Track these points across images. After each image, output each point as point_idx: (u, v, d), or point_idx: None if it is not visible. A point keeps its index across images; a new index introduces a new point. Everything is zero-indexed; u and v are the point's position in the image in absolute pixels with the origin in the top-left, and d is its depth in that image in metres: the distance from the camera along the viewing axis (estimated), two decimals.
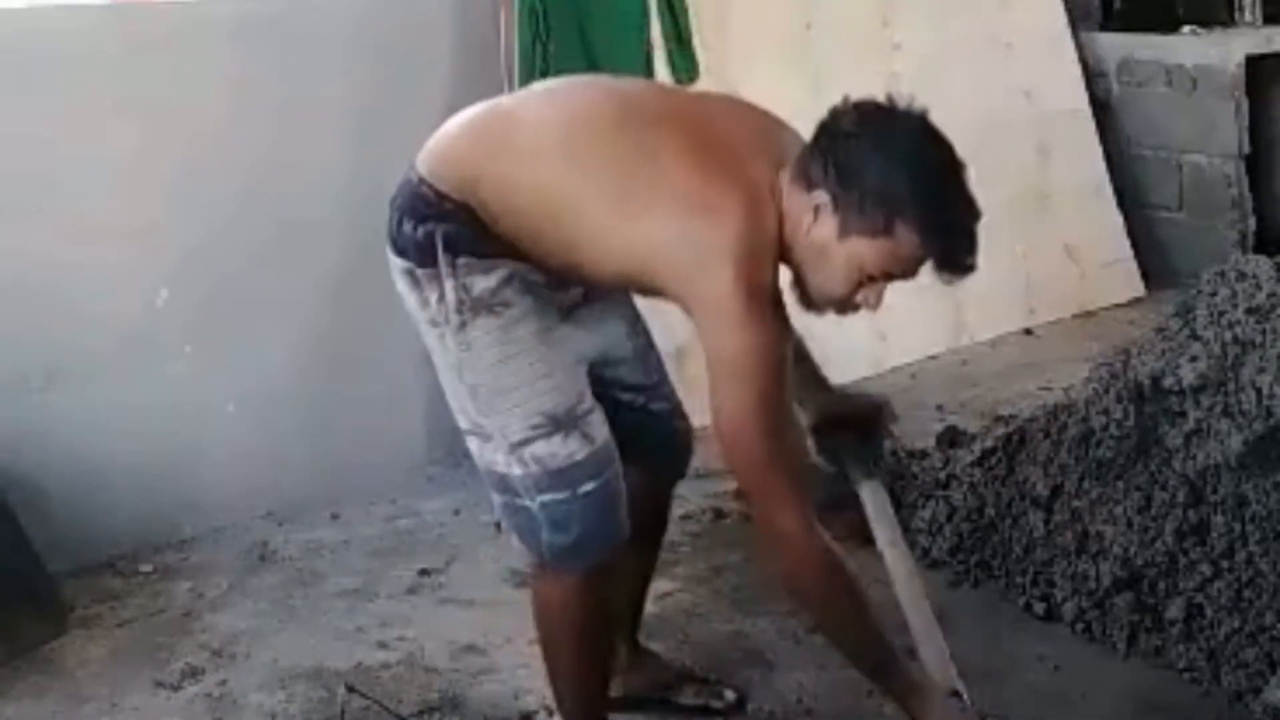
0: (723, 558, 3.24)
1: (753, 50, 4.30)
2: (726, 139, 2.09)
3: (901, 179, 1.99)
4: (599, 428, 2.16)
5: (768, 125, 2.20)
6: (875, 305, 2.08)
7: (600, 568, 2.20)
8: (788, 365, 2.08)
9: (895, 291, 4.64)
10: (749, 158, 2.06)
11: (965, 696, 2.17)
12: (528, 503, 2.16)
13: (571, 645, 2.28)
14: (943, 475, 3.28)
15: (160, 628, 3.04)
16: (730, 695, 2.64)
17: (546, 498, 2.14)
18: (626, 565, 2.42)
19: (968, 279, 2.13)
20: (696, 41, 4.01)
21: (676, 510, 3.46)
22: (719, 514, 3.46)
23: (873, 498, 2.41)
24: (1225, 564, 2.72)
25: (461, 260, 2.09)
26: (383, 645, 2.93)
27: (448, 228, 2.09)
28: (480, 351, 2.11)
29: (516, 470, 2.15)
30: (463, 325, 2.11)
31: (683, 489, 3.43)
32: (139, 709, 2.73)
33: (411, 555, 3.32)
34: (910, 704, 2.15)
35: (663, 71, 3.97)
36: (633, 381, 2.36)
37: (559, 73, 3.66)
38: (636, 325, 2.39)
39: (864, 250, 2.01)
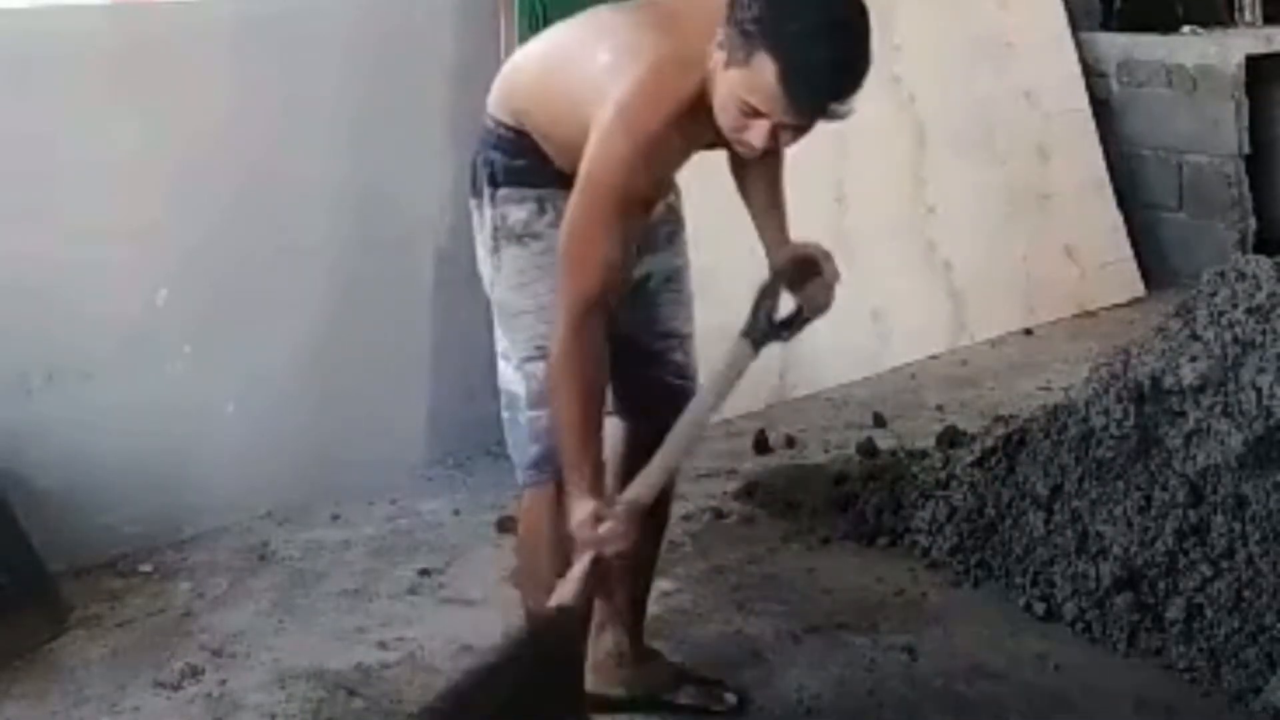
0: (723, 558, 3.24)
1: None
2: (687, 12, 2.24)
3: (767, 12, 2.06)
4: None
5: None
6: (759, 144, 2.13)
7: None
8: (641, 214, 2.22)
9: (896, 291, 4.64)
10: (699, 24, 2.17)
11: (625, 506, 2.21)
12: (520, 417, 2.39)
13: (547, 557, 2.37)
14: (943, 475, 3.29)
15: (160, 628, 3.04)
16: (731, 698, 2.64)
17: (534, 413, 2.35)
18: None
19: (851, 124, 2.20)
20: None
21: (677, 510, 3.46)
22: (719, 514, 3.46)
23: (734, 353, 2.41)
24: (1225, 564, 2.72)
25: (502, 191, 2.36)
26: (383, 645, 2.92)
27: (497, 156, 2.36)
28: (506, 274, 2.38)
29: (519, 388, 2.38)
30: (496, 249, 2.38)
31: (683, 489, 3.45)
32: (139, 709, 2.73)
33: (411, 555, 3.32)
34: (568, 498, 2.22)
35: None
36: (659, 328, 2.51)
37: None
38: (679, 279, 2.55)
39: (735, 81, 2.08)
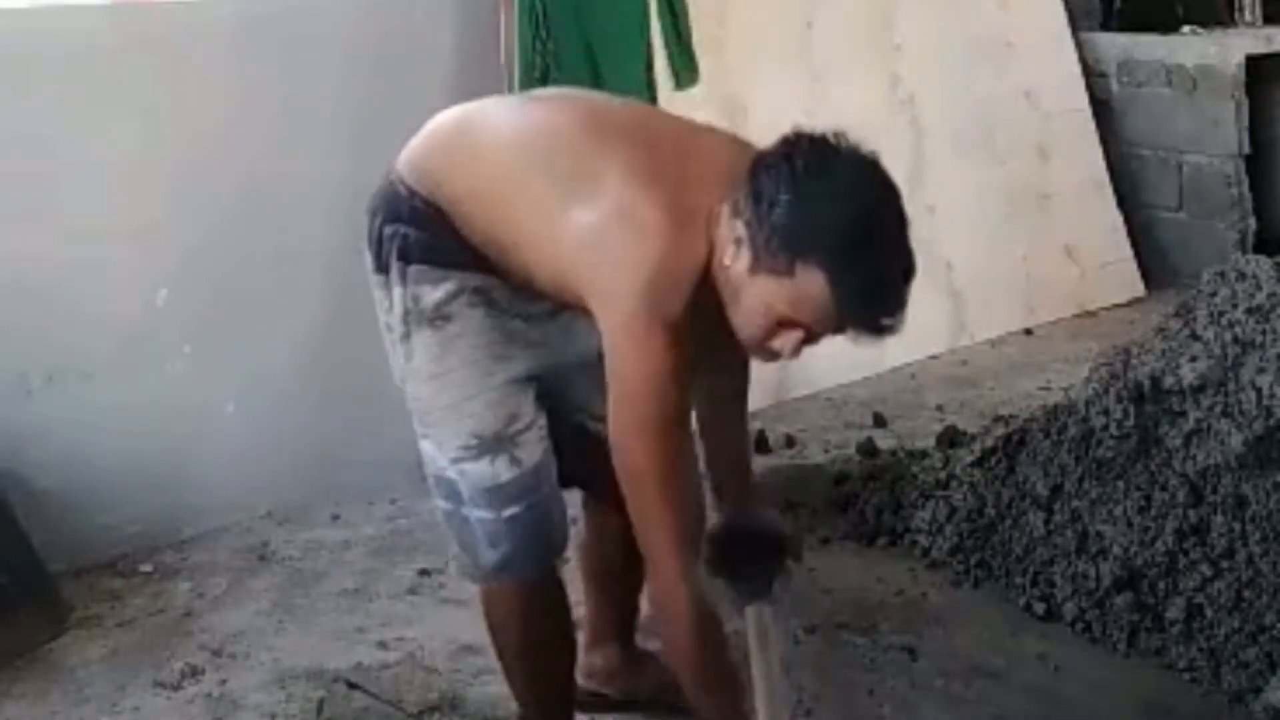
0: None
1: (753, 50, 4.30)
2: (682, 163, 2.00)
3: (811, 218, 1.86)
4: (530, 449, 2.14)
5: (735, 157, 2.02)
6: (790, 355, 1.95)
7: (538, 585, 2.22)
8: (686, 390, 1.98)
9: None
10: (697, 184, 1.96)
11: None
12: (469, 514, 2.17)
13: (520, 658, 2.30)
14: (943, 475, 3.29)
15: (160, 628, 3.04)
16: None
17: (479, 514, 2.15)
18: (613, 571, 2.46)
19: (897, 331, 1.93)
20: (696, 42, 4.01)
21: None
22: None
23: (756, 621, 2.21)
24: (1225, 564, 2.72)
25: (414, 268, 2.09)
26: (383, 645, 2.93)
27: (411, 231, 2.09)
28: (419, 364, 2.12)
29: (459, 481, 2.16)
30: (406, 335, 2.12)
31: None
32: (139, 709, 2.73)
33: (411, 555, 3.31)
34: None
35: (663, 72, 3.97)
36: (583, 403, 2.24)
37: (559, 72, 3.67)
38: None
39: (770, 290, 1.89)
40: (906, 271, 1.92)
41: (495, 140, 2.13)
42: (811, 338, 1.93)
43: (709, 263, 1.94)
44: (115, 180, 3.31)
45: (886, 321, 1.91)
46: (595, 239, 1.96)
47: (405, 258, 2.10)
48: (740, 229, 1.90)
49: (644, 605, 2.60)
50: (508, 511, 2.14)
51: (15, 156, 3.19)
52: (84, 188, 3.26)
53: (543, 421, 2.17)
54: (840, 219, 1.86)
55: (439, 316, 2.09)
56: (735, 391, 2.31)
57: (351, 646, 2.92)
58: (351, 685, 2.72)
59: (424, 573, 3.22)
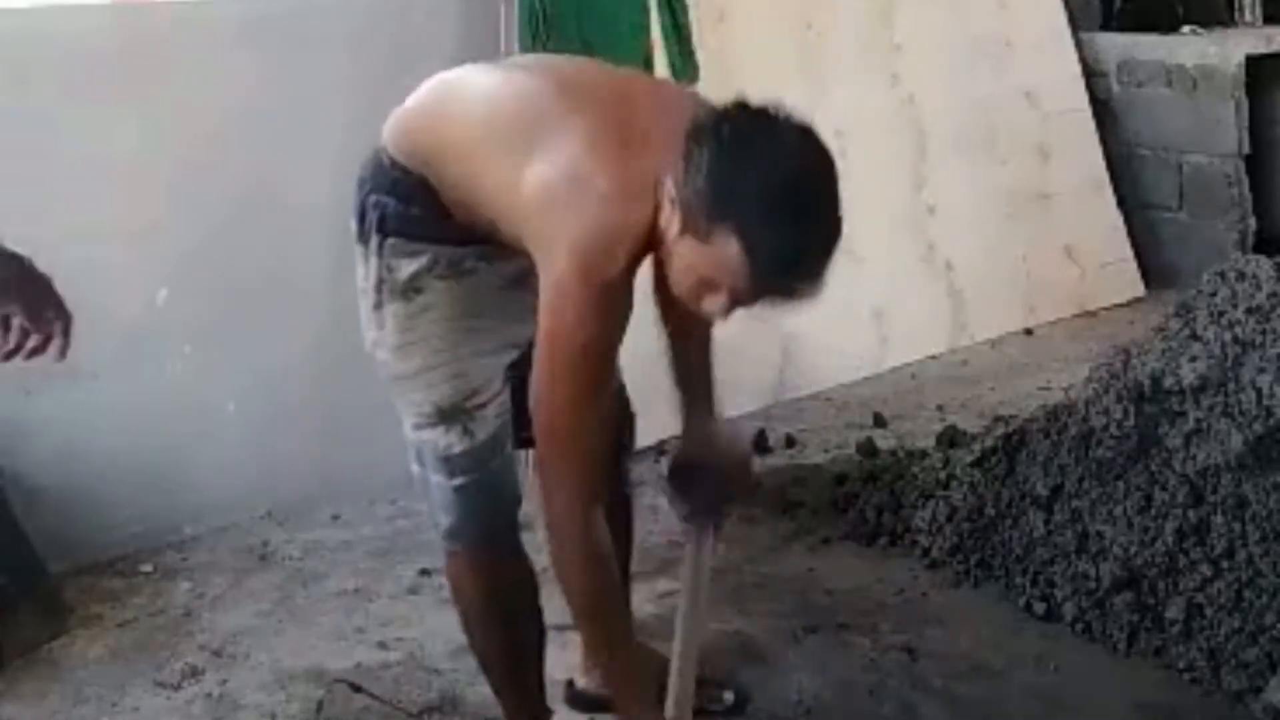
0: (723, 558, 3.23)
1: (753, 50, 4.30)
2: (650, 128, 2.00)
3: (728, 183, 1.86)
4: (486, 424, 2.19)
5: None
6: (720, 317, 1.98)
7: (491, 551, 2.26)
8: (611, 360, 2.07)
9: (896, 291, 4.64)
10: (660, 148, 1.95)
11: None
12: (428, 477, 2.24)
13: (478, 627, 2.34)
14: (943, 475, 3.29)
15: (160, 628, 3.04)
16: (729, 698, 2.63)
17: (435, 479, 2.23)
18: None
19: (813, 302, 1.94)
20: (696, 41, 4.01)
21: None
22: None
23: (695, 540, 2.32)
24: (1225, 564, 2.72)
25: (390, 241, 2.16)
26: (383, 645, 2.93)
27: (390, 202, 2.15)
28: (389, 333, 2.19)
29: (421, 446, 2.23)
30: (379, 305, 2.19)
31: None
32: (139, 709, 2.73)
33: (411, 555, 3.31)
34: (619, 707, 2.16)
35: (663, 71, 3.97)
36: None
37: None
38: None
39: (694, 253, 1.91)
40: (827, 241, 1.90)
41: (468, 102, 2.17)
42: (738, 302, 1.94)
43: (656, 225, 1.96)
44: (115, 180, 3.31)
45: (801, 287, 1.91)
46: (546, 197, 1.99)
47: (382, 230, 2.16)
48: (672, 191, 1.92)
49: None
50: (456, 480, 2.20)
51: (15, 156, 3.18)
52: (84, 188, 3.26)
53: (505, 396, 2.21)
54: (756, 185, 1.86)
55: (411, 289, 2.15)
56: (704, 326, 2.32)
57: (351, 646, 2.92)
58: (354, 688, 2.72)
59: (424, 573, 3.22)
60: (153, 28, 3.42)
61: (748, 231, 1.84)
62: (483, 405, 2.19)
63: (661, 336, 2.38)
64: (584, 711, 2.63)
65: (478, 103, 2.16)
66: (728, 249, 1.86)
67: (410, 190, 2.15)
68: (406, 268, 2.15)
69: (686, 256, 1.92)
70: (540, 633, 2.38)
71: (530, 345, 2.15)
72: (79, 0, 3.51)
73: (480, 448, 2.19)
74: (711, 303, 1.95)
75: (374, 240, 2.17)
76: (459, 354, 2.17)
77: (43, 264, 3.30)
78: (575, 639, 2.53)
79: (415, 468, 2.27)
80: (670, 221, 1.93)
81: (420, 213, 2.14)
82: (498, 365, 2.20)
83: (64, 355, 1.83)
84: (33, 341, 1.82)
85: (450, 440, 2.18)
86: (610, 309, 1.98)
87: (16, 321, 1.81)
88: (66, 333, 1.85)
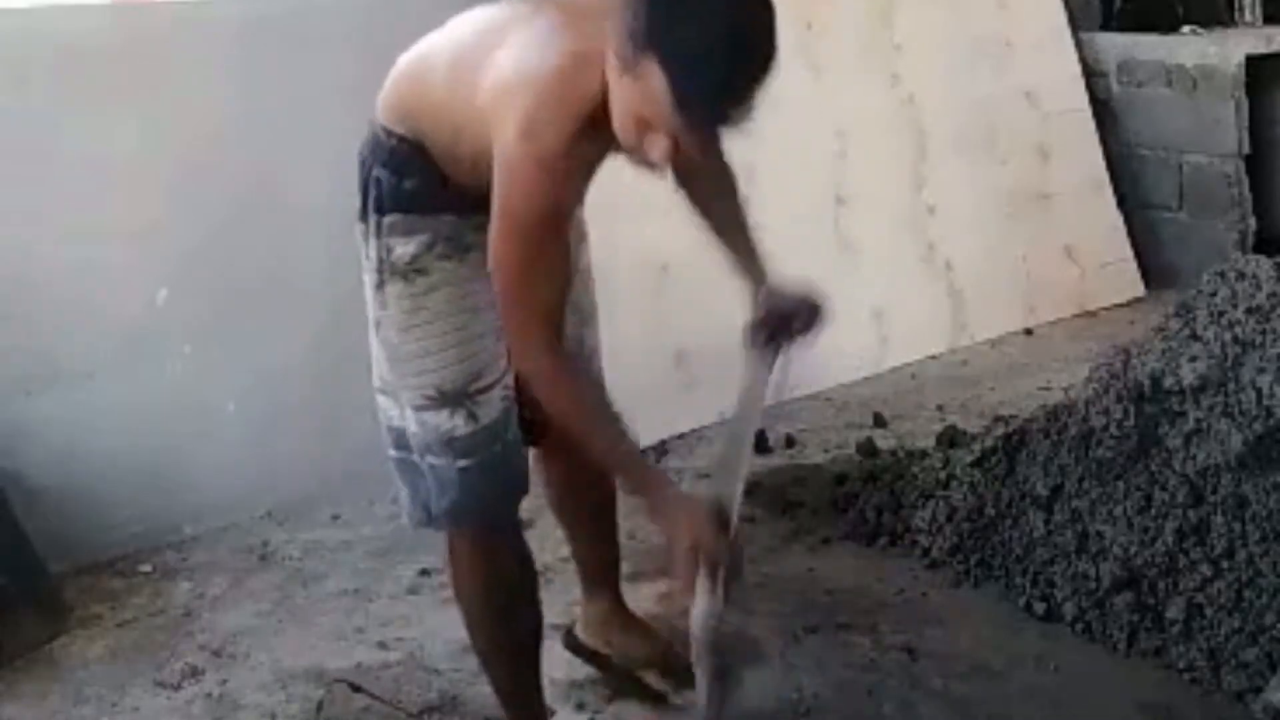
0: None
1: None
2: (598, 7, 2.00)
3: (653, 13, 1.86)
4: (490, 407, 2.20)
5: None
6: (660, 160, 1.95)
7: (493, 534, 2.28)
8: (562, 227, 2.06)
9: (896, 291, 4.63)
10: (600, 19, 1.96)
11: (733, 524, 2.11)
12: (418, 460, 2.24)
13: (478, 613, 2.34)
14: (943, 475, 3.28)
15: (160, 628, 3.04)
16: (688, 698, 2.61)
17: (432, 460, 2.22)
18: (582, 511, 2.60)
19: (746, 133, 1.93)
20: None
21: None
22: None
23: (758, 363, 2.34)
24: (1225, 564, 2.72)
25: (387, 220, 2.17)
26: (383, 645, 2.93)
27: (385, 175, 2.17)
28: (393, 313, 2.19)
29: (413, 428, 2.22)
30: (381, 284, 2.20)
31: (683, 488, 3.43)
32: (139, 709, 2.74)
33: (411, 555, 3.31)
34: (653, 498, 2.11)
35: None
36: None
37: None
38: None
39: (628, 91, 1.90)
40: (751, 66, 1.87)
41: (444, 43, 2.22)
42: (677, 141, 1.91)
43: (605, 93, 1.97)
44: (115, 180, 3.31)
45: (723, 111, 1.88)
46: (499, 89, 2.01)
47: (380, 208, 2.18)
48: (612, 39, 1.93)
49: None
50: (460, 463, 2.20)
51: (15, 156, 3.19)
52: (84, 188, 3.26)
53: (509, 379, 2.21)
54: (679, 11, 1.85)
55: (412, 270, 2.16)
56: (719, 189, 2.37)
57: (351, 646, 2.92)
58: (354, 688, 2.72)
59: (424, 573, 3.22)
60: (153, 28, 3.42)
61: (669, 58, 1.83)
62: (488, 388, 2.19)
63: (693, 213, 2.39)
64: (582, 659, 2.72)
65: (445, 46, 2.20)
66: (654, 80, 1.85)
67: (406, 159, 2.16)
68: (404, 247, 2.16)
69: (623, 98, 1.92)
70: (538, 624, 2.39)
71: None
72: (79, 0, 3.51)
73: (484, 431, 2.19)
74: (652, 145, 1.93)
75: (372, 220, 2.19)
76: (463, 336, 2.18)
77: (43, 264, 3.33)
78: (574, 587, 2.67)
79: (395, 453, 2.28)
80: (610, 69, 1.93)
81: (417, 184, 2.16)
82: (502, 347, 2.19)
83: None
84: None
85: (455, 424, 2.18)
86: (558, 180, 1.98)
87: None
88: None
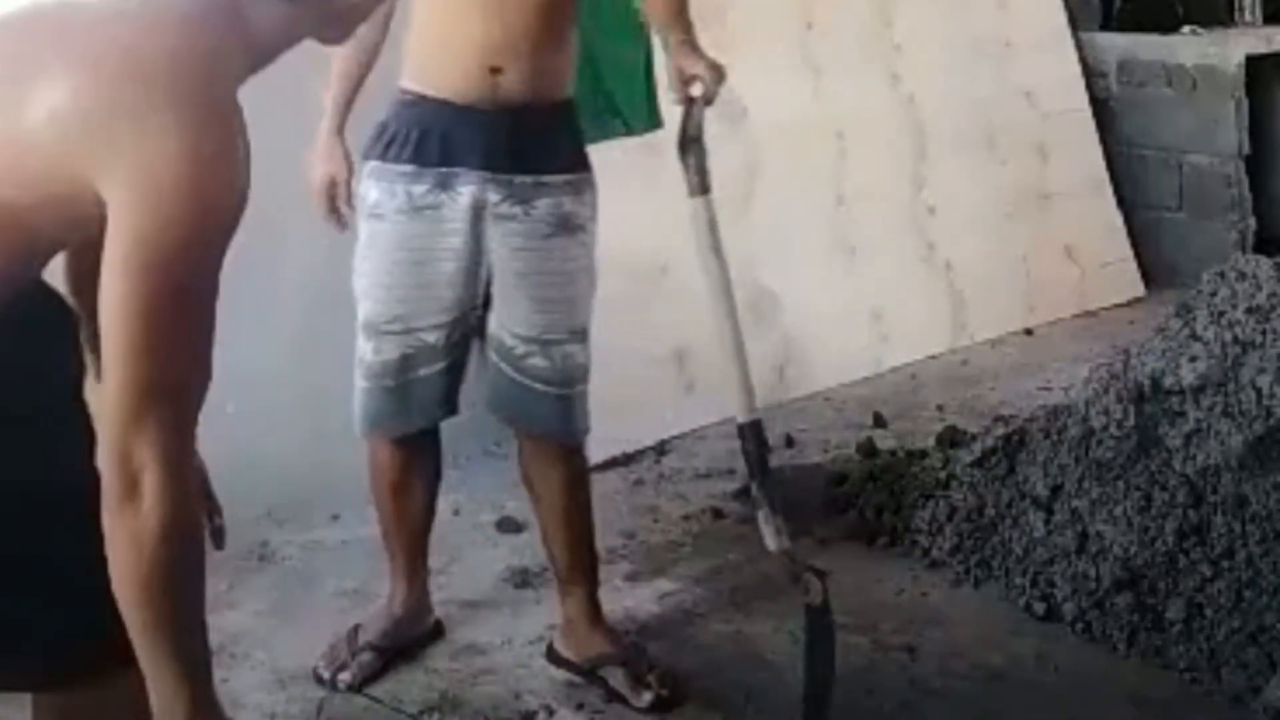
0: (723, 558, 3.23)
1: (753, 50, 4.30)
2: None
3: None
4: (390, 349, 2.58)
5: None
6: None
7: (393, 448, 2.72)
8: None
9: (896, 291, 4.65)
10: None
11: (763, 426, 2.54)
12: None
13: (383, 501, 2.79)
14: (943, 475, 3.29)
15: None
16: (647, 698, 2.61)
17: (363, 384, 2.67)
18: (554, 508, 2.72)
19: None
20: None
21: (677, 510, 3.46)
22: (719, 514, 3.46)
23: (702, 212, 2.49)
24: (1225, 564, 2.72)
25: (367, 165, 2.57)
26: None
27: (379, 126, 2.54)
28: (359, 247, 2.60)
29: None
30: (358, 221, 2.61)
31: (682, 488, 3.45)
32: None
33: None
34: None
35: (663, 73, 3.96)
36: (506, 319, 2.57)
37: None
38: (537, 281, 2.56)
39: None
40: None
41: None
42: None
43: None
44: None
45: None
46: None
47: (366, 154, 2.57)
48: None
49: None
50: (361, 384, 2.65)
51: None
52: None
53: (427, 337, 2.54)
54: None
55: (372, 214, 2.55)
56: None
57: None
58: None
59: None
60: None
61: None
62: (396, 333, 2.55)
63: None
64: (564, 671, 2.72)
65: None
66: None
67: (405, 106, 2.51)
68: (371, 194, 2.54)
69: None
70: (428, 519, 2.81)
71: (473, 310, 2.54)
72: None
73: (378, 365, 2.59)
74: None
75: (357, 164, 2.59)
76: (391, 280, 2.53)
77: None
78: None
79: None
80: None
81: (408, 128, 2.49)
82: (427, 307, 2.52)
83: (221, 544, 1.97)
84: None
85: (364, 351, 2.61)
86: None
87: None
88: (214, 519, 2.02)
